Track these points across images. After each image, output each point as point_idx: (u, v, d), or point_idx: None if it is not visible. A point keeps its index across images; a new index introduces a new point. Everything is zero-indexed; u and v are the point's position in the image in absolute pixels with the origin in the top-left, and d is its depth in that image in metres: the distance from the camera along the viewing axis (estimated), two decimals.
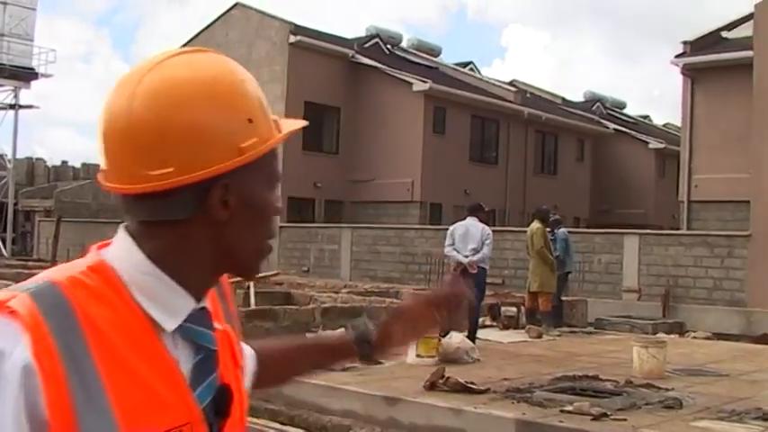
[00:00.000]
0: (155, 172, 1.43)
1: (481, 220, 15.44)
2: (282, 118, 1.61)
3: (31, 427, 1.32)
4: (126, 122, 1.45)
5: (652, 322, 22.20)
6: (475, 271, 14.91)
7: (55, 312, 1.36)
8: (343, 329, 2.12)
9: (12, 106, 50.57)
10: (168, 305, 1.47)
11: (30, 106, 52.55)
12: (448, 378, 10.21)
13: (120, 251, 1.50)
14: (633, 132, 49.98)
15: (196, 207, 1.46)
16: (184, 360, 1.48)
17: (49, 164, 71.09)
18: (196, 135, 1.44)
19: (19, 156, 54.20)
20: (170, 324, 1.46)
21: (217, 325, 1.56)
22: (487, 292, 24.44)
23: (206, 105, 1.45)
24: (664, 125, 61.54)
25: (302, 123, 1.63)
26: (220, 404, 1.50)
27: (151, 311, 1.44)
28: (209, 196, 1.46)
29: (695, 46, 31.81)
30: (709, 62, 30.51)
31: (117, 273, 1.46)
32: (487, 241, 15.15)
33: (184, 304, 1.49)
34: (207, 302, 1.54)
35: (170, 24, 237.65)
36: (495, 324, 18.49)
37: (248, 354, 1.88)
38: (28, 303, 1.35)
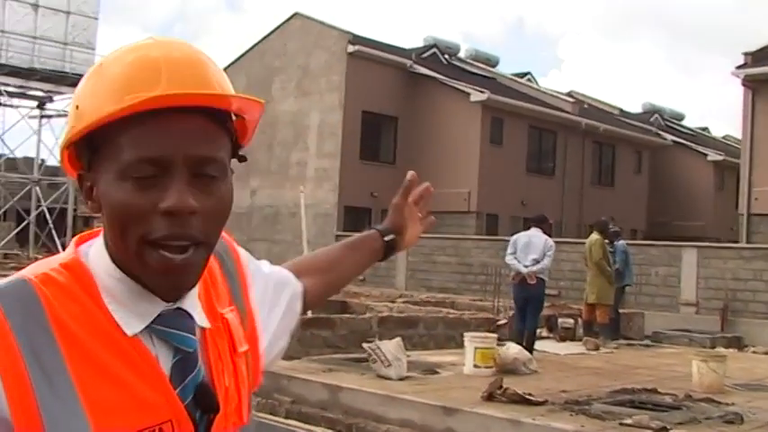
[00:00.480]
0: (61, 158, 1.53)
1: (544, 232, 15.44)
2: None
3: None
4: None
5: (710, 336, 21.95)
6: (533, 281, 14.89)
7: (20, 309, 1.36)
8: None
9: None
10: (133, 308, 1.44)
11: None
12: (506, 389, 10.19)
13: (95, 250, 1.49)
14: (691, 144, 49.56)
15: (84, 200, 1.48)
16: (164, 358, 1.45)
17: None
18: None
19: None
20: (132, 328, 1.43)
21: (202, 321, 1.52)
22: (545, 304, 24.42)
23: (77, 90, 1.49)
24: (723, 137, 60.94)
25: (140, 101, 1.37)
26: (204, 400, 1.47)
27: (115, 315, 1.42)
28: (81, 190, 1.49)
29: (756, 57, 31.46)
30: None
31: (90, 271, 1.45)
32: (549, 253, 15.10)
33: (150, 307, 1.45)
34: (190, 299, 1.50)
35: (229, 34, 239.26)
36: (551, 336, 18.42)
37: (287, 281, 1.90)
38: None
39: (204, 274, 1.52)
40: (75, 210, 51.40)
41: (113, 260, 1.45)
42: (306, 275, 1.96)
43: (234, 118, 1.50)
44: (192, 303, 1.51)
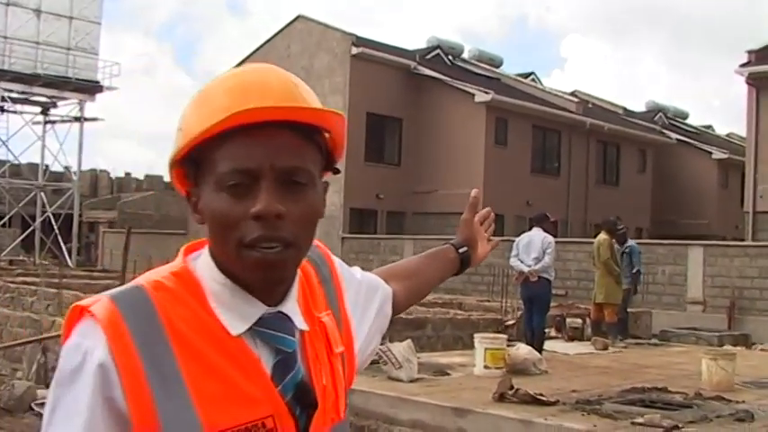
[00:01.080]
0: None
1: (546, 230, 15.47)
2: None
3: (110, 419, 1.46)
4: None
5: (717, 334, 21.96)
6: (535, 279, 14.95)
7: (135, 313, 1.51)
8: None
9: (77, 119, 51.24)
10: (236, 310, 1.58)
11: (94, 119, 53.26)
12: (517, 389, 10.19)
13: (202, 259, 1.63)
14: (696, 142, 49.57)
15: (192, 214, 1.65)
16: (266, 358, 1.59)
17: (113, 175, 71.94)
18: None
19: (83, 168, 54.89)
20: (236, 329, 1.56)
21: (301, 324, 1.65)
22: (552, 304, 24.41)
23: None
24: (727, 135, 60.92)
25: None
26: (304, 397, 1.60)
27: (220, 317, 1.56)
28: (189, 204, 1.65)
29: (760, 55, 31.48)
30: None
31: (198, 279, 1.60)
32: (548, 250, 15.11)
33: (252, 310, 1.59)
34: (290, 304, 1.64)
35: (232, 36, 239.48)
36: (560, 336, 18.43)
37: (377, 285, 2.05)
38: (108, 306, 1.51)
39: (302, 281, 1.71)
40: (80, 215, 51.52)
41: (218, 266, 1.60)
42: (393, 281, 2.11)
43: (326, 134, 1.64)
44: (292, 308, 1.65)
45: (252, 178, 1.53)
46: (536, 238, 15.23)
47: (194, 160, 1.59)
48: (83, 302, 1.54)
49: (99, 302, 1.53)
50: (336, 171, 1.70)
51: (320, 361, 1.67)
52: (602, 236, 17.94)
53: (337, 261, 1.92)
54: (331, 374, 1.69)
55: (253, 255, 1.52)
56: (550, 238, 15.35)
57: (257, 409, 1.54)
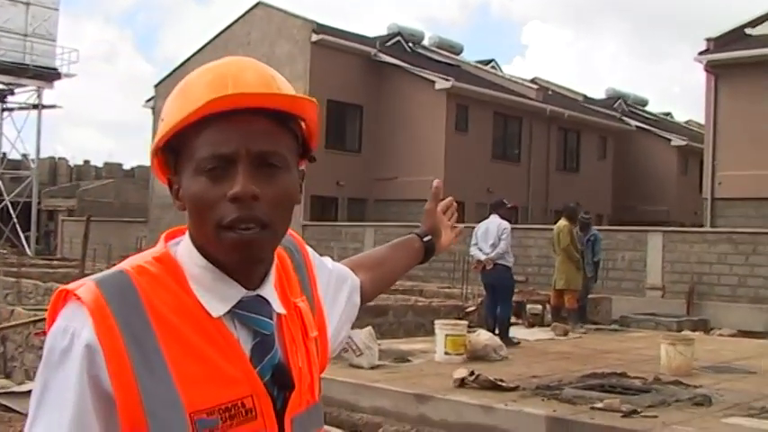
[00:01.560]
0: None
1: (502, 216, 15.45)
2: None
3: (96, 399, 1.51)
4: None
5: (677, 319, 22.14)
6: (491, 267, 15.05)
7: (119, 296, 1.56)
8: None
9: (35, 106, 50.85)
10: (216, 293, 1.63)
11: (53, 106, 52.85)
12: (477, 375, 10.24)
13: (183, 244, 1.69)
14: (655, 129, 49.84)
15: (174, 200, 1.71)
16: (244, 340, 1.64)
17: (72, 163, 71.38)
18: None
19: (42, 155, 54.51)
20: (216, 311, 1.61)
21: (279, 308, 1.71)
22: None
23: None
24: (686, 122, 61.31)
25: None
26: (281, 379, 1.66)
27: (201, 299, 1.61)
28: (170, 191, 1.71)
29: (719, 43, 31.69)
30: (733, 59, 30.42)
31: (179, 263, 1.65)
32: (503, 236, 15.07)
33: (232, 293, 1.64)
34: (268, 287, 1.70)
35: (193, 24, 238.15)
36: (520, 322, 18.50)
37: (346, 275, 2.13)
38: (93, 290, 1.56)
39: (278, 267, 1.76)
40: (39, 203, 51.12)
41: (198, 250, 1.65)
42: (360, 271, 2.19)
43: (301, 122, 1.70)
44: (270, 292, 1.70)
45: (228, 162, 1.58)
46: (492, 225, 15.24)
47: (174, 149, 1.65)
48: (68, 286, 1.59)
49: (84, 286, 1.57)
50: (312, 159, 1.76)
51: (296, 344, 1.73)
52: (563, 222, 18.00)
53: (310, 250, 2.00)
54: (306, 357, 1.75)
55: (230, 236, 1.58)
56: (505, 224, 15.29)
57: (237, 389, 1.58)
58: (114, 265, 1.76)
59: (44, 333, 1.65)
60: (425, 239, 2.43)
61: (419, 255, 2.42)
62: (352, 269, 2.17)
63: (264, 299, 1.67)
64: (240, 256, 1.60)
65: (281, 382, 1.65)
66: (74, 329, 1.53)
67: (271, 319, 1.67)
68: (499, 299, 15.20)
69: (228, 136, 1.58)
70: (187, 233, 1.68)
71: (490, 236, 15.10)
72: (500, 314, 15.10)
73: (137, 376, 1.51)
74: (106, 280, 1.59)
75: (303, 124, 1.70)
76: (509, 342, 14.27)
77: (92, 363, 1.51)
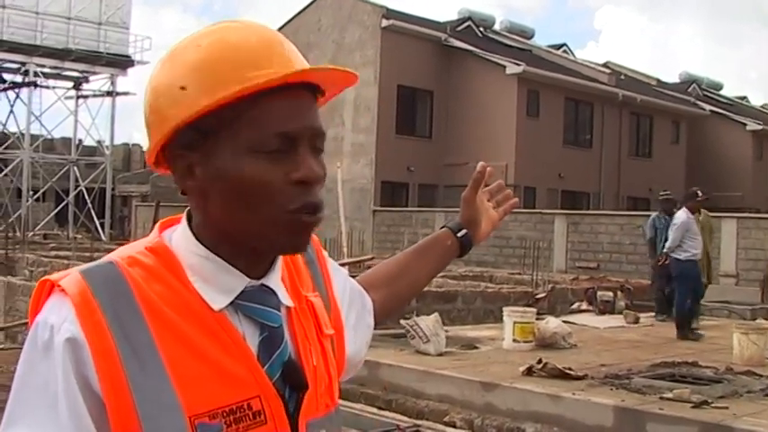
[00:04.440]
0: (149, 147, 1.54)
1: (690, 209, 15.03)
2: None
3: (86, 400, 1.36)
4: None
5: (750, 308, 21.73)
6: (661, 262, 15.20)
7: (106, 288, 1.41)
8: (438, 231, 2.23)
9: (109, 93, 51.39)
10: (218, 284, 1.48)
11: (126, 93, 53.41)
12: (545, 363, 10.16)
13: (179, 232, 1.54)
14: (730, 114, 49.11)
15: (176, 182, 1.52)
16: (251, 335, 1.49)
17: (145, 149, 72.35)
18: (151, 109, 1.52)
19: (116, 142, 55.13)
20: (218, 303, 1.47)
21: (286, 300, 1.56)
22: (583, 277, 24.32)
23: (157, 78, 1.51)
24: (762, 106, 60.34)
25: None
26: (292, 377, 1.51)
27: (201, 291, 1.47)
28: (175, 169, 1.51)
29: None
30: None
31: (175, 253, 1.50)
32: (673, 228, 14.79)
33: (235, 283, 1.50)
34: (271, 280, 1.54)
35: (269, 11, 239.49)
36: (591, 309, 18.33)
37: (361, 292, 1.92)
38: (78, 281, 1.41)
39: (286, 259, 1.61)
40: (113, 189, 51.75)
41: (199, 239, 1.51)
42: (372, 289, 1.98)
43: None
44: (276, 282, 1.55)
45: (291, 141, 1.45)
46: (675, 219, 15.05)
47: (196, 126, 1.46)
48: (51, 277, 1.46)
49: (69, 277, 1.44)
50: None
51: (309, 340, 1.58)
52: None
53: (319, 245, 1.80)
54: (322, 356, 1.60)
55: (297, 220, 1.46)
56: (678, 217, 14.94)
57: (242, 390, 1.44)
58: None
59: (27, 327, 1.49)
60: (460, 234, 2.19)
61: (453, 252, 2.19)
62: (364, 288, 1.94)
63: (270, 289, 1.53)
64: (300, 241, 1.49)
65: (292, 382, 1.51)
66: (53, 322, 1.39)
67: (278, 310, 1.53)
68: (676, 291, 14.94)
69: (292, 113, 1.45)
70: (183, 221, 1.54)
71: (670, 229, 14.97)
72: (675, 308, 14.86)
73: (128, 375, 1.36)
74: (93, 270, 1.45)
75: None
76: (688, 335, 14.16)
77: (77, 359, 1.36)
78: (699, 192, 15.34)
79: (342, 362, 1.72)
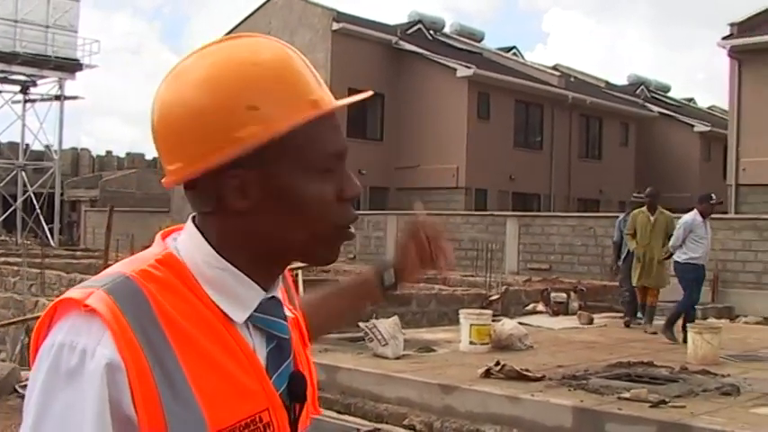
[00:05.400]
0: (171, 167, 1.49)
1: (701, 212, 14.59)
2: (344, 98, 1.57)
3: (117, 425, 1.31)
4: (151, 125, 1.52)
5: (701, 307, 21.90)
6: (665, 258, 15.09)
7: (132, 306, 1.36)
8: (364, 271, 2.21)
9: (57, 97, 50.96)
10: (237, 297, 1.47)
11: (75, 97, 52.98)
12: (503, 365, 10.19)
13: (189, 243, 1.50)
14: (678, 115, 49.55)
15: (215, 199, 1.46)
16: (259, 347, 1.49)
17: (94, 154, 71.65)
18: (191, 128, 1.44)
19: (65, 146, 54.68)
20: (239, 316, 1.46)
21: (287, 312, 1.58)
22: (535, 278, 24.42)
23: (199, 97, 1.44)
24: (708, 108, 60.91)
25: (344, 103, 1.56)
26: (296, 389, 1.52)
27: (221, 304, 1.45)
28: (222, 187, 1.45)
29: (743, 27, 31.44)
30: (758, 44, 30.14)
31: (185, 265, 1.47)
32: (676, 230, 14.53)
33: (253, 295, 1.49)
34: (277, 291, 1.56)
35: (220, 15, 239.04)
36: (545, 310, 18.42)
37: None
38: (106, 299, 1.35)
39: None
40: (61, 194, 51.30)
41: (219, 251, 1.48)
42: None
43: None
44: (280, 294, 1.58)
45: (339, 160, 1.52)
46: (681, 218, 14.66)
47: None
48: (73, 295, 1.38)
49: (94, 296, 1.36)
50: None
51: (300, 352, 1.61)
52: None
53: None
54: (308, 368, 1.63)
55: (345, 234, 1.53)
56: (682, 219, 14.59)
57: (254, 403, 1.44)
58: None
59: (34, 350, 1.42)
60: (386, 284, 2.13)
61: (372, 298, 2.20)
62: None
63: (279, 300, 1.55)
64: (337, 253, 1.55)
65: (295, 393, 1.52)
66: (84, 346, 1.32)
67: (285, 321, 1.55)
68: (684, 292, 14.56)
69: (338, 133, 1.53)
70: (193, 232, 1.51)
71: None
72: (678, 304, 14.67)
73: (161, 397, 1.33)
74: (116, 287, 1.38)
75: None
76: (668, 334, 14.07)
77: (113, 384, 1.31)
78: (713, 195, 15.02)
79: (314, 375, 1.70)
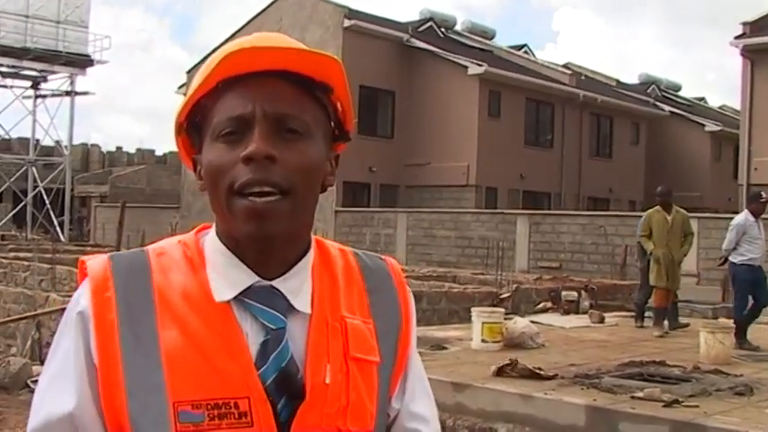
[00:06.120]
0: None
1: (752, 212, 14.07)
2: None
3: (88, 368, 1.49)
4: None
5: (712, 307, 21.89)
6: (720, 264, 14.65)
7: (127, 273, 1.54)
8: None
9: (68, 93, 51.01)
10: (227, 278, 1.54)
11: (85, 93, 53.12)
12: (516, 363, 10.16)
13: (211, 232, 1.62)
14: (689, 115, 49.48)
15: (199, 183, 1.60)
16: (254, 336, 1.51)
17: (104, 150, 71.78)
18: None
19: (75, 142, 54.74)
20: (221, 295, 1.52)
21: (301, 306, 1.54)
22: (545, 276, 24.38)
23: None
24: (719, 107, 60.81)
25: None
26: (286, 385, 1.49)
27: (212, 283, 1.53)
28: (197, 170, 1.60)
29: (755, 27, 31.39)
30: None
31: (203, 248, 1.59)
32: (729, 230, 14.05)
33: (242, 278, 1.53)
34: (292, 283, 1.55)
35: (231, 11, 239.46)
36: (555, 309, 18.39)
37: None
38: (104, 262, 1.56)
39: (332, 272, 1.64)
40: (71, 190, 51.37)
41: (218, 235, 1.58)
42: None
43: (330, 92, 1.60)
44: (293, 287, 1.56)
45: (246, 125, 1.49)
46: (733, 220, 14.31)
47: (197, 126, 1.57)
48: (85, 257, 1.60)
49: (98, 258, 1.58)
50: (348, 139, 1.67)
51: (328, 356, 1.54)
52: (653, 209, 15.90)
53: (411, 297, 1.77)
54: (345, 376, 1.55)
55: (242, 203, 1.47)
56: (734, 221, 14.17)
57: (231, 387, 1.46)
58: None
59: None
60: None
61: None
62: None
63: (280, 292, 1.53)
64: (254, 228, 1.47)
65: (285, 390, 1.48)
66: (77, 296, 1.54)
67: (285, 315, 1.52)
68: (734, 297, 14.28)
69: (245, 97, 1.50)
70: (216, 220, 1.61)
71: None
72: (733, 313, 14.30)
73: (123, 352, 1.46)
74: (121, 256, 1.59)
75: (335, 98, 1.60)
76: (743, 344, 13.34)
77: (84, 331, 1.50)
78: (762, 194, 14.42)
79: (371, 391, 1.60)
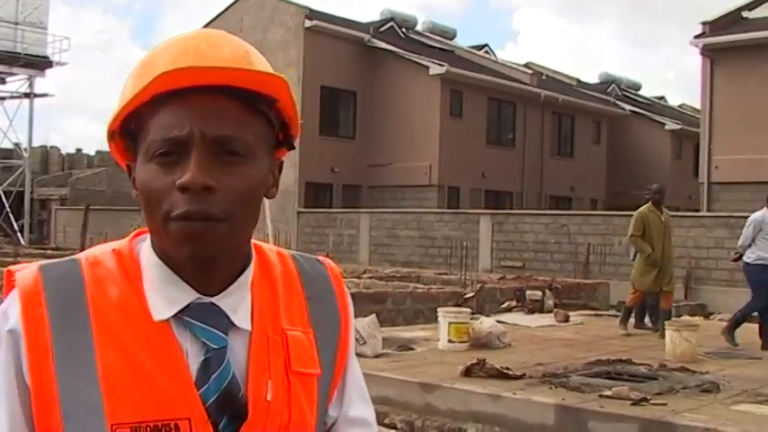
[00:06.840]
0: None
1: None
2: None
3: (20, 389, 1.40)
4: None
5: (675, 305, 22.04)
6: (734, 259, 14.62)
7: (60, 285, 1.45)
8: None
9: (27, 95, 50.62)
10: (165, 296, 1.46)
11: (44, 95, 52.66)
12: (484, 363, 10.16)
13: (149, 240, 1.52)
14: (649, 114, 49.82)
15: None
16: (194, 355, 1.45)
17: (64, 152, 71.21)
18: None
19: (34, 144, 54.33)
20: (160, 314, 1.44)
21: (241, 322, 1.49)
22: (509, 276, 24.44)
23: None
24: (679, 106, 61.26)
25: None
26: (228, 405, 1.44)
27: (150, 300, 1.45)
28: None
29: (714, 26, 31.63)
30: (730, 42, 30.35)
31: (139, 259, 1.50)
32: (745, 228, 13.90)
33: (182, 296, 1.46)
34: (232, 299, 1.50)
35: (191, 12, 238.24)
36: (520, 308, 18.43)
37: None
38: (34, 274, 1.46)
39: (272, 285, 1.58)
40: (31, 192, 50.96)
41: (153, 246, 1.50)
42: None
43: (276, 104, 1.50)
44: (233, 303, 1.50)
45: (182, 147, 1.40)
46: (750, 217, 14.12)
47: (131, 132, 1.47)
48: (13, 268, 1.50)
49: (27, 269, 1.48)
50: (291, 147, 1.57)
51: (269, 372, 1.49)
52: (644, 207, 16.04)
53: (350, 300, 1.72)
54: (286, 391, 1.51)
55: (176, 227, 1.40)
56: (750, 217, 14.00)
57: (171, 408, 1.40)
58: None
59: None
60: None
61: None
62: None
63: (220, 309, 1.48)
64: (190, 251, 1.41)
65: (227, 409, 1.44)
66: (4, 310, 1.45)
67: (225, 333, 1.47)
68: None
69: (181, 117, 1.40)
70: None
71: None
72: (741, 309, 14.12)
73: (57, 372, 1.38)
74: (52, 266, 1.48)
75: (280, 107, 1.50)
76: (728, 339, 13.49)
77: (15, 349, 1.41)
78: None
79: (311, 404, 1.57)
